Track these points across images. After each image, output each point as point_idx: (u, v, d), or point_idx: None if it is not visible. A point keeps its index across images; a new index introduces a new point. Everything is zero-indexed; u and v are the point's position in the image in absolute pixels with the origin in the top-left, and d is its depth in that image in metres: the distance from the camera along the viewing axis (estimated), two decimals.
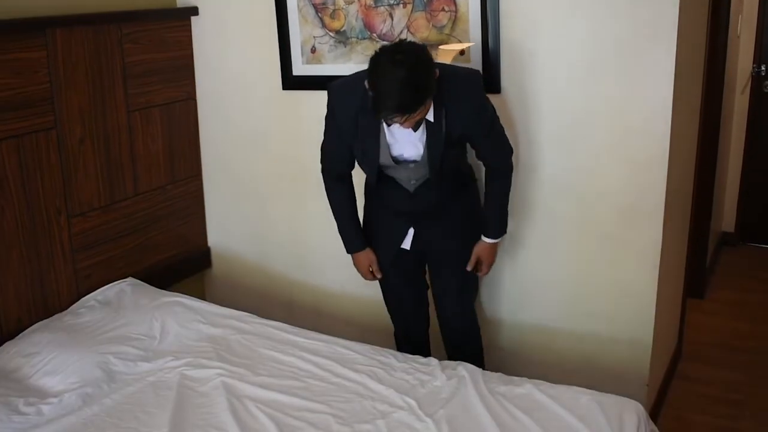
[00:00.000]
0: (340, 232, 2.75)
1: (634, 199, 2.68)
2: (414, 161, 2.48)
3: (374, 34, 2.95)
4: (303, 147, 3.25)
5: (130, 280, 3.01)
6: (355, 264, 2.77)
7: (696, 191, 3.48)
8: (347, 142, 2.52)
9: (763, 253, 5.06)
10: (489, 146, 2.55)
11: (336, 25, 3.02)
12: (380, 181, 2.58)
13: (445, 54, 2.83)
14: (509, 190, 2.65)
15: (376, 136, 2.44)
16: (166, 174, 3.31)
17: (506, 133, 2.64)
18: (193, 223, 3.53)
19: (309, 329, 2.72)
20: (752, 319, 4.05)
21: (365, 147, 2.48)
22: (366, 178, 2.70)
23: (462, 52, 2.79)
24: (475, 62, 2.77)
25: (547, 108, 2.75)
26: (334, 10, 3.01)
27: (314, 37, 3.07)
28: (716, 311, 4.16)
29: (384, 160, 2.48)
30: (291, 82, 3.18)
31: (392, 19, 2.89)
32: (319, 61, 3.10)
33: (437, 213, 2.62)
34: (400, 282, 2.80)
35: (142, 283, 3.01)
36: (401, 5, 2.86)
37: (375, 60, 2.22)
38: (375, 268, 2.73)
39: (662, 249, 2.71)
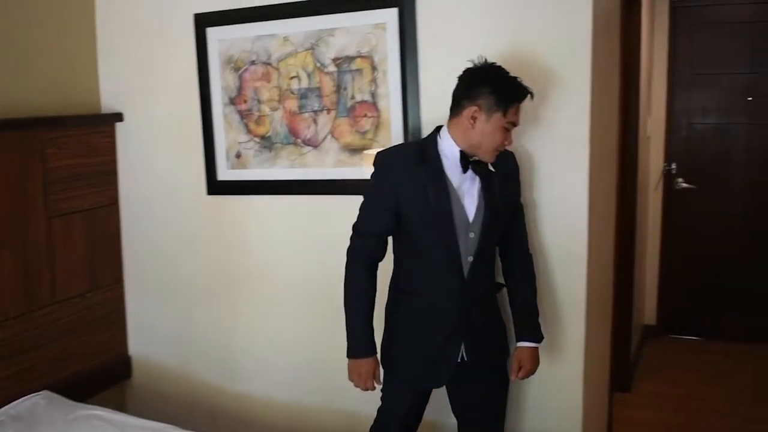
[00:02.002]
0: (352, 331, 2.45)
1: (556, 297, 2.73)
2: (472, 227, 2.36)
3: (299, 140, 3.00)
4: (228, 252, 3.24)
5: (44, 393, 2.87)
6: (358, 371, 2.45)
7: (616, 286, 3.57)
8: (397, 209, 2.35)
9: (685, 345, 5.18)
10: (519, 225, 2.56)
11: (261, 130, 3.07)
12: (431, 272, 2.39)
13: (370, 159, 2.88)
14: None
15: (445, 186, 2.33)
16: (86, 281, 3.23)
17: None
18: (114, 331, 3.43)
19: None
20: (678, 410, 4.11)
21: (436, 199, 2.31)
22: (397, 288, 2.51)
23: None
24: None
25: None
26: (259, 117, 3.06)
27: (239, 142, 3.11)
28: (643, 404, 4.21)
29: (457, 211, 2.33)
30: (216, 187, 3.19)
31: (316, 125, 2.95)
32: (244, 166, 3.12)
33: (479, 316, 2.47)
34: (414, 398, 2.55)
35: (58, 396, 2.88)
36: (325, 111, 2.93)
37: (478, 68, 2.32)
38: (377, 374, 2.47)
39: (586, 345, 2.75)
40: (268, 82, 3.02)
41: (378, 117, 2.85)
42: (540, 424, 2.82)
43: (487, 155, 2.33)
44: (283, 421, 3.25)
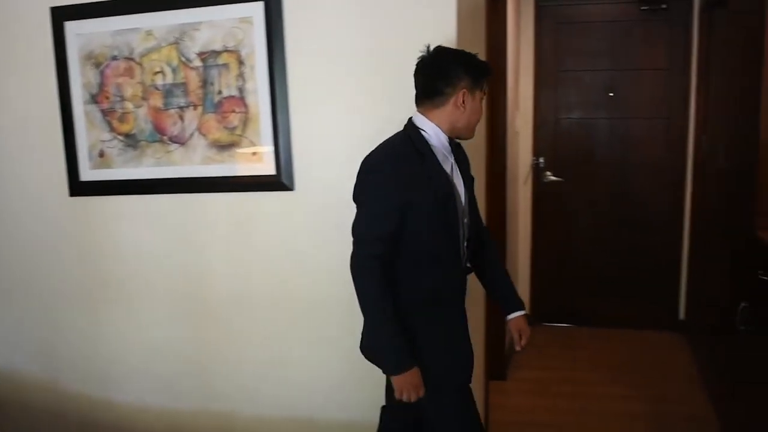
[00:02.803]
0: (394, 345, 2.22)
1: None
2: (465, 213, 2.36)
3: (165, 137, 2.92)
4: (95, 256, 3.12)
5: None
6: (412, 383, 2.24)
7: None
8: (405, 209, 2.21)
9: (557, 332, 5.37)
10: (477, 211, 2.54)
11: (125, 128, 2.97)
12: (438, 266, 2.31)
13: (241, 156, 2.84)
14: None
15: (445, 176, 2.28)
16: None
17: (305, 231, 2.69)
18: None
19: None
20: (552, 394, 4.25)
21: (443, 191, 2.27)
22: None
23: (254, 154, 2.82)
24: (268, 161, 2.80)
25: (337, 204, 2.81)
26: (122, 114, 2.96)
27: (102, 141, 3.00)
28: (519, 390, 4.33)
29: (457, 199, 2.31)
30: (78, 188, 3.07)
31: (183, 121, 2.88)
32: (108, 166, 3.01)
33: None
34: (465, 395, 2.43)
35: None
36: (191, 107, 2.86)
37: (441, 55, 2.30)
38: (421, 383, 2.29)
39: None
40: (131, 77, 2.93)
41: (246, 112, 2.81)
42: None
43: (471, 132, 2.37)
44: (161, 427, 3.15)
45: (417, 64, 2.32)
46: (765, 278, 2.75)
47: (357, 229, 2.28)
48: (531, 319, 5.35)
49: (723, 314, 3.64)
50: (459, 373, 2.39)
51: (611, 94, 5.20)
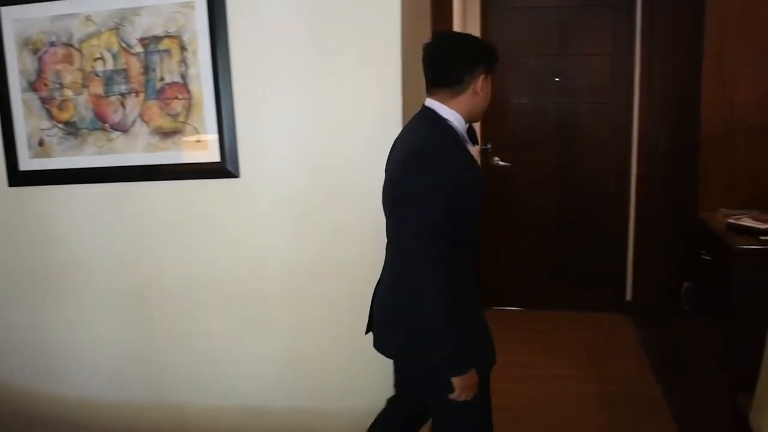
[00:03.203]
0: (458, 345, 2.17)
1: (375, 274, 2.76)
2: None
3: (107, 125, 2.86)
4: (37, 247, 3.06)
5: None
6: (473, 382, 2.21)
7: None
8: (452, 201, 2.12)
9: (505, 315, 5.41)
10: None
11: (65, 116, 2.90)
12: (470, 252, 2.27)
13: (185, 144, 2.80)
14: None
15: (477, 164, 2.29)
16: None
17: (251, 218, 2.66)
18: None
19: None
20: (502, 378, 4.25)
21: (481, 179, 2.26)
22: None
23: (198, 141, 2.78)
24: (213, 148, 2.77)
25: (283, 190, 2.80)
26: (62, 101, 2.89)
27: (41, 129, 2.93)
28: None
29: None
30: (18, 177, 3.00)
31: (125, 108, 2.83)
32: (48, 155, 2.94)
33: None
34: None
35: None
36: (133, 94, 2.81)
37: (448, 37, 2.32)
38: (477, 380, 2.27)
39: None
40: (71, 64, 2.86)
41: (189, 99, 2.77)
42: (360, 401, 2.85)
43: (481, 115, 2.33)
44: (111, 421, 3.11)
45: (427, 52, 2.25)
46: (707, 258, 2.80)
47: (418, 227, 2.12)
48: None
49: (668, 295, 3.71)
50: (489, 362, 2.38)
51: (557, 79, 5.24)
